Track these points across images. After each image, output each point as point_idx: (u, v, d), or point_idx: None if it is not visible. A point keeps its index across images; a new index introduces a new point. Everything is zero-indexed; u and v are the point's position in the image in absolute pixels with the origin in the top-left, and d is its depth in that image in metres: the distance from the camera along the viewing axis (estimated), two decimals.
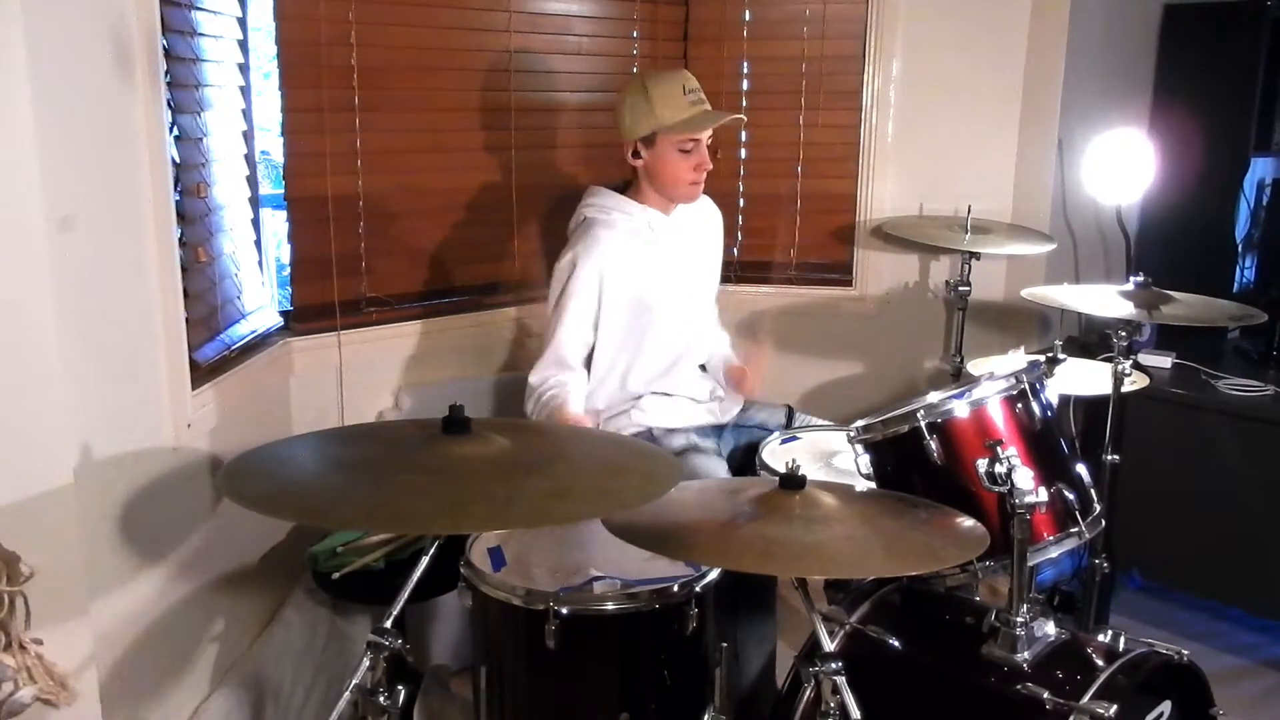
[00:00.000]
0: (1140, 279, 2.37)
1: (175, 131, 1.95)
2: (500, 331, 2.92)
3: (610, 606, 1.65)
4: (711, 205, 2.65)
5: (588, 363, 2.46)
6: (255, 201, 2.46)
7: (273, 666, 2.15)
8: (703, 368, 2.62)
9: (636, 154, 2.41)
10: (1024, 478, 1.65)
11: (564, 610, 1.62)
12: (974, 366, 2.67)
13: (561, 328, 2.38)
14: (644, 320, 2.44)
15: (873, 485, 1.87)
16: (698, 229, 2.59)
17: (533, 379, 2.41)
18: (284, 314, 2.56)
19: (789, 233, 3.30)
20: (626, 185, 2.49)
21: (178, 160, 1.95)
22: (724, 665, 1.73)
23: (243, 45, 2.35)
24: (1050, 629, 1.75)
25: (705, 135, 2.39)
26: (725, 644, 1.76)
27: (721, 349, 2.66)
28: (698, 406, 2.53)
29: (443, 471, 1.42)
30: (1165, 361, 3.01)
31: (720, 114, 2.41)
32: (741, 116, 2.52)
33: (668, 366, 2.50)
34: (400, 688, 1.56)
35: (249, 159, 2.40)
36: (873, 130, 3.20)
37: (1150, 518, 2.87)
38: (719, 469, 2.38)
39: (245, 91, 2.37)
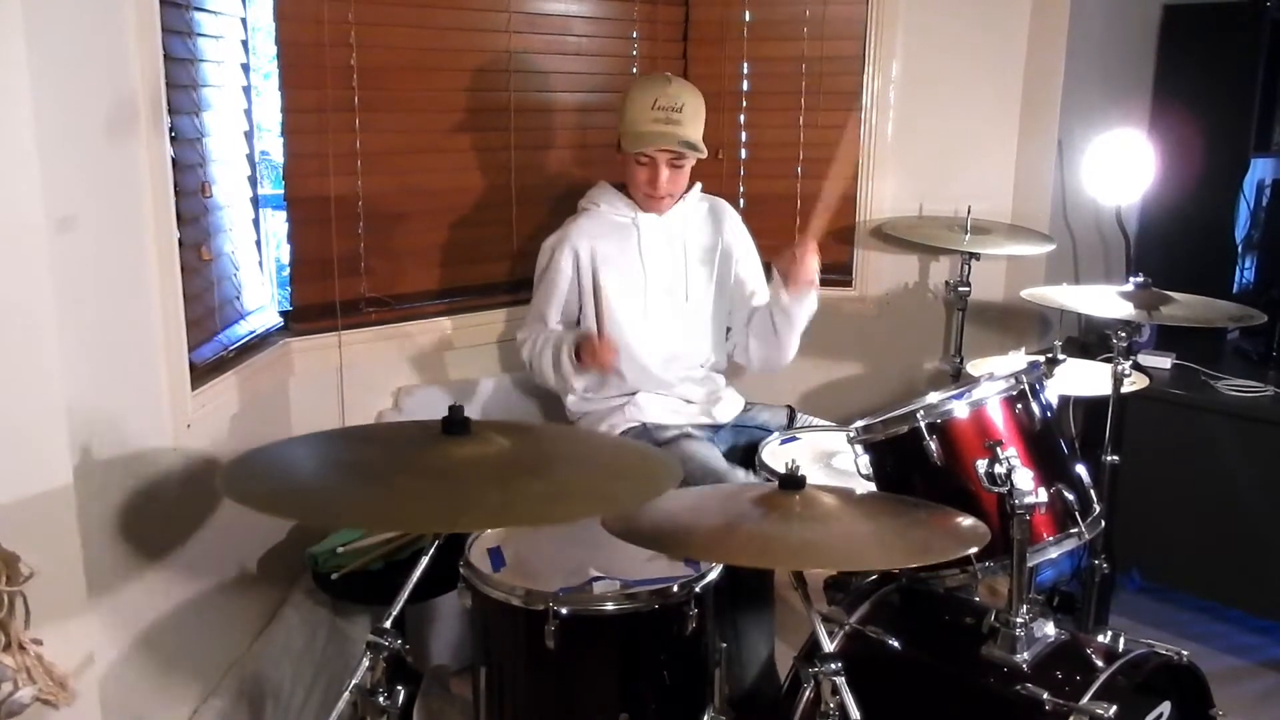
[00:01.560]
0: (1140, 279, 2.37)
1: (175, 132, 1.95)
2: (500, 332, 2.92)
3: (610, 607, 1.66)
4: (723, 208, 2.63)
5: None
6: (255, 201, 2.46)
7: (272, 667, 2.15)
8: (720, 372, 2.62)
9: (619, 149, 2.46)
10: (1024, 478, 1.65)
11: (563, 610, 1.62)
12: (974, 367, 2.67)
13: (539, 295, 2.50)
14: (628, 311, 2.46)
15: (872, 486, 1.87)
16: (699, 231, 2.57)
17: (520, 335, 2.53)
18: (283, 314, 2.56)
19: (789, 233, 3.29)
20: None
21: (178, 160, 1.95)
22: (723, 666, 1.73)
23: (244, 45, 2.35)
24: (1050, 630, 1.75)
25: (663, 155, 2.38)
26: (725, 644, 1.76)
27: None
28: (693, 407, 2.54)
29: (442, 474, 1.42)
30: (1165, 362, 3.01)
31: (668, 138, 2.35)
32: (700, 152, 2.37)
33: (660, 363, 2.50)
34: (400, 688, 1.56)
35: (250, 159, 2.40)
36: (873, 131, 3.19)
37: (1150, 518, 2.86)
38: (710, 451, 2.38)
39: (246, 92, 2.36)
